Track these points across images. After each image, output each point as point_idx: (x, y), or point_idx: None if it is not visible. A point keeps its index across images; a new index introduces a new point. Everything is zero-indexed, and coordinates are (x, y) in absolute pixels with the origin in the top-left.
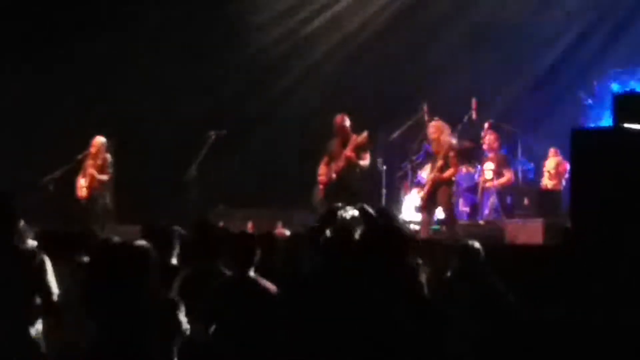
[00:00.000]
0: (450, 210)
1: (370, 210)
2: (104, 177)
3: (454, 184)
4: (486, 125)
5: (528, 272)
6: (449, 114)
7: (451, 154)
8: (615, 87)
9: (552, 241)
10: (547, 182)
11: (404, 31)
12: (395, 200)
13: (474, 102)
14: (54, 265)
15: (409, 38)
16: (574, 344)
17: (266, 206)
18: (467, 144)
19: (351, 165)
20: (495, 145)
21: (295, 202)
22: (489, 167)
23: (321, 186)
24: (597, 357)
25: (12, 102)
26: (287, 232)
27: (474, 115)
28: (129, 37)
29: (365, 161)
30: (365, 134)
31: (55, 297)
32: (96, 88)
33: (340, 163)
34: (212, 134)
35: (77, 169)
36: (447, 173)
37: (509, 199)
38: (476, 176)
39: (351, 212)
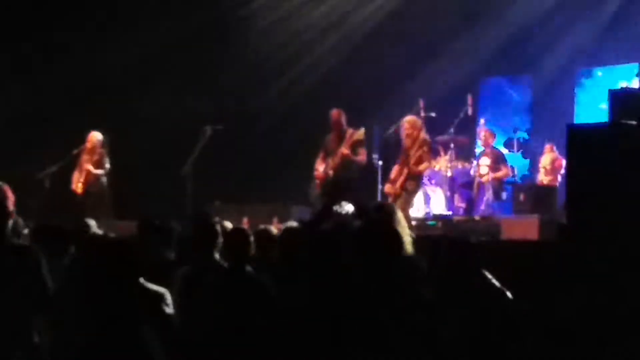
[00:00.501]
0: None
1: (366, 205)
2: (100, 172)
3: (422, 178)
4: (481, 120)
5: (524, 267)
6: (444, 110)
7: (425, 149)
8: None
9: (547, 237)
10: (542, 178)
11: (400, 27)
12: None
13: (469, 98)
14: (49, 260)
15: (405, 34)
16: (570, 338)
17: (262, 202)
18: (462, 139)
19: (347, 161)
20: (491, 140)
21: (292, 198)
22: (484, 162)
23: (318, 182)
24: (593, 351)
25: (7, 98)
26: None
27: (469, 111)
28: (126, 33)
29: (361, 157)
30: (361, 130)
31: (50, 292)
32: (93, 83)
33: (337, 159)
34: (208, 129)
35: (73, 164)
36: (422, 166)
37: (504, 195)
38: (472, 172)
39: (347, 208)
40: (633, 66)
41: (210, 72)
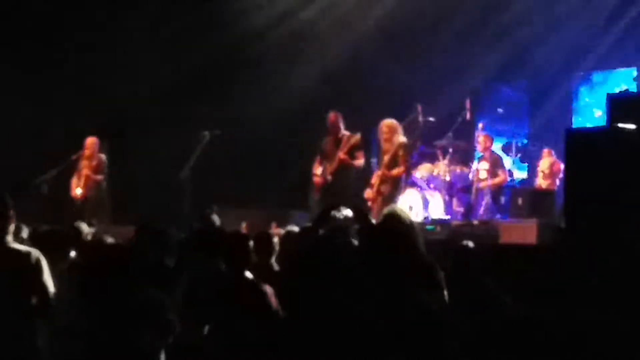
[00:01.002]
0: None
1: (363, 209)
2: (99, 178)
3: (401, 181)
4: (480, 125)
5: (522, 272)
6: (443, 114)
7: (401, 152)
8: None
9: (546, 241)
10: (541, 182)
11: (398, 30)
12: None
13: (467, 102)
14: (48, 264)
15: (403, 37)
16: (568, 343)
17: (260, 206)
18: (461, 144)
19: (345, 165)
20: (489, 145)
21: (290, 203)
22: (483, 167)
23: (316, 187)
24: (591, 356)
25: (4, 103)
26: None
27: (467, 116)
28: (123, 37)
29: (359, 161)
30: (358, 135)
31: (51, 297)
32: (90, 88)
33: (334, 164)
34: (207, 134)
35: (71, 169)
36: (396, 171)
37: (503, 199)
38: (470, 176)
39: (345, 213)
40: (631, 70)
41: (208, 76)
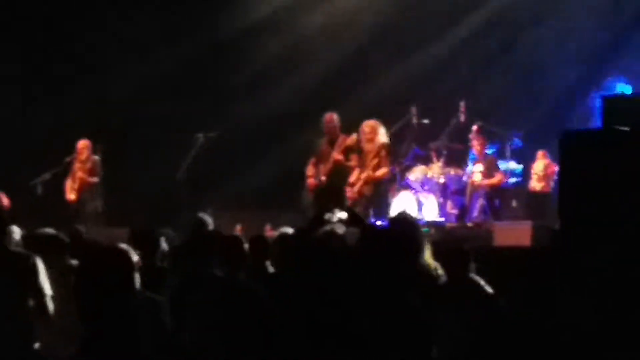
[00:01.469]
0: (379, 207)
1: (357, 211)
2: (94, 180)
3: (383, 182)
4: (474, 127)
5: (516, 274)
6: (437, 117)
7: (383, 153)
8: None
9: (540, 243)
10: (535, 184)
11: (394, 33)
12: (383, 202)
13: (462, 104)
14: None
15: (398, 39)
16: (563, 345)
17: (255, 208)
18: (455, 146)
19: (340, 167)
20: (484, 147)
21: (284, 205)
22: (477, 169)
23: (310, 188)
24: (584, 357)
25: (2, 106)
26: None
27: (462, 118)
28: (117, 40)
29: (353, 162)
30: (354, 136)
31: (48, 299)
32: (84, 90)
33: (329, 165)
34: (201, 136)
35: (65, 171)
36: (380, 172)
37: (497, 202)
38: (464, 178)
39: (339, 215)
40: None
41: (203, 78)
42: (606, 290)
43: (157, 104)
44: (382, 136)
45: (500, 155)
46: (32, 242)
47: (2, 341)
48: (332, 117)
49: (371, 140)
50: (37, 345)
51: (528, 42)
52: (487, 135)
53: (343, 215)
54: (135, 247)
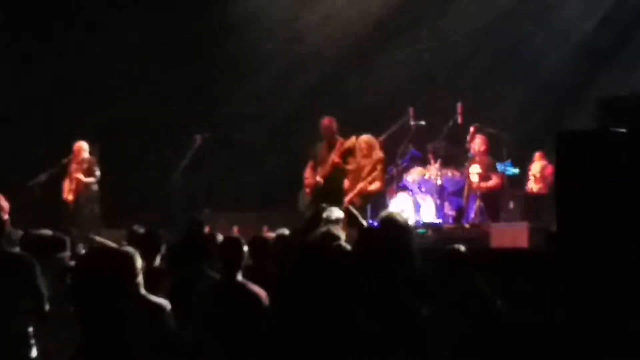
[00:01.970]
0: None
1: (355, 212)
2: (91, 180)
3: (374, 197)
4: (472, 129)
5: (513, 275)
6: (434, 118)
7: (379, 167)
8: None
9: (537, 245)
10: (532, 185)
11: (390, 34)
12: (381, 204)
13: (459, 106)
14: (40, 268)
15: (395, 41)
16: (559, 347)
17: (252, 210)
18: (452, 147)
19: (338, 169)
20: (482, 148)
21: (282, 206)
22: (475, 170)
23: (307, 190)
24: (582, 358)
25: None
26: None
27: (459, 120)
28: (114, 41)
29: (352, 165)
30: (352, 139)
31: (45, 300)
32: (82, 92)
33: (327, 167)
34: (198, 138)
35: (62, 172)
36: (375, 187)
37: (494, 203)
38: (462, 180)
39: (336, 214)
40: None
41: (199, 79)
42: (603, 292)
43: (153, 105)
44: (378, 151)
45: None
46: (30, 243)
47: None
48: (330, 122)
49: (368, 155)
50: (32, 347)
51: (526, 43)
52: (487, 136)
53: (340, 214)
54: (134, 248)
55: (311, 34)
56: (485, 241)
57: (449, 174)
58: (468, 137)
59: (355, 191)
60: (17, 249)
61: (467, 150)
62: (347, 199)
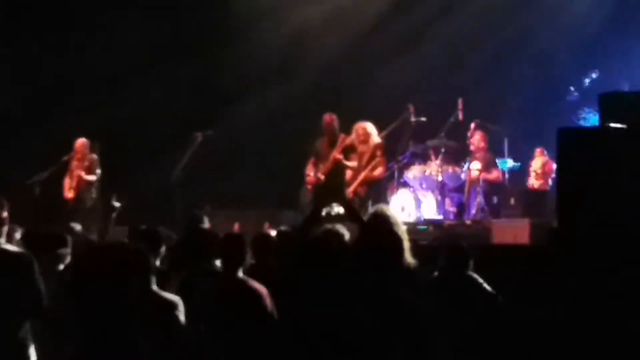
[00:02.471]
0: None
1: (356, 207)
2: (92, 178)
3: (378, 183)
4: (472, 125)
5: (515, 272)
6: (435, 114)
7: (378, 153)
8: None
9: (538, 241)
10: (533, 182)
11: (391, 31)
12: (382, 200)
13: (460, 102)
14: (40, 266)
15: (395, 38)
16: (560, 343)
17: (253, 207)
18: (453, 144)
19: (339, 166)
20: (482, 144)
21: (283, 203)
22: (475, 166)
23: (309, 187)
24: (582, 354)
25: None
26: (274, 233)
27: (460, 116)
28: (115, 38)
29: (353, 162)
30: (353, 135)
31: (44, 298)
32: (82, 89)
33: (328, 164)
34: (199, 135)
35: (63, 170)
36: (377, 172)
37: (495, 199)
38: (463, 176)
39: (337, 210)
40: None
41: (200, 77)
42: (603, 288)
43: (155, 102)
44: (376, 137)
45: (499, 152)
46: (31, 241)
47: None
48: (332, 118)
49: (365, 141)
50: (30, 346)
51: (526, 40)
52: (485, 132)
53: (341, 210)
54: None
55: (313, 31)
56: (487, 237)
57: (450, 170)
58: (469, 134)
59: (359, 180)
60: (16, 247)
61: (467, 147)
62: (351, 189)
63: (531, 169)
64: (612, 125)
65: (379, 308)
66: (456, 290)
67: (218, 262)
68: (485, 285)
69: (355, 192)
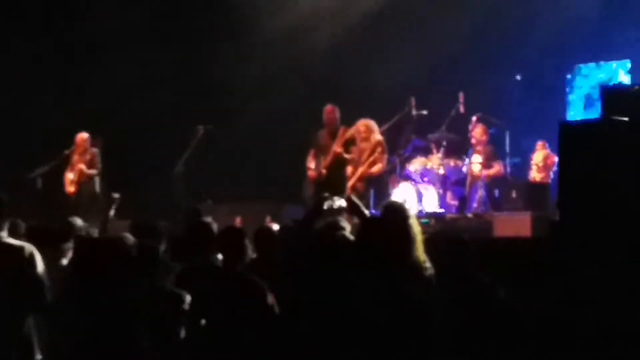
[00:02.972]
0: (369, 203)
1: (357, 201)
2: (93, 172)
3: (376, 179)
4: (474, 118)
5: (516, 265)
6: (436, 108)
7: (379, 150)
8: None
9: (540, 234)
10: (535, 175)
11: (392, 24)
12: (384, 194)
13: (461, 95)
14: (44, 260)
15: (396, 31)
16: (562, 336)
17: (254, 201)
18: (454, 137)
19: (340, 159)
20: (484, 138)
21: (284, 197)
22: (476, 160)
23: (311, 180)
24: (584, 348)
25: None
26: (276, 227)
27: (461, 109)
28: (115, 31)
29: (354, 155)
30: (354, 128)
31: (46, 291)
32: (84, 83)
33: (329, 157)
34: (200, 129)
35: (64, 164)
36: (376, 169)
37: (497, 192)
38: (464, 169)
39: (339, 203)
40: (625, 62)
41: (201, 70)
42: (605, 281)
43: (157, 96)
44: (377, 134)
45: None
46: (34, 235)
47: None
48: (333, 109)
49: (367, 139)
50: (33, 339)
51: (525, 33)
52: (487, 125)
53: (342, 203)
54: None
55: (314, 25)
56: (488, 230)
57: (451, 163)
58: (470, 127)
59: (357, 176)
60: (14, 239)
61: (469, 140)
62: (349, 184)
63: (532, 162)
64: (614, 117)
65: (381, 302)
66: (457, 283)
67: (219, 257)
68: (487, 279)
69: (353, 187)
